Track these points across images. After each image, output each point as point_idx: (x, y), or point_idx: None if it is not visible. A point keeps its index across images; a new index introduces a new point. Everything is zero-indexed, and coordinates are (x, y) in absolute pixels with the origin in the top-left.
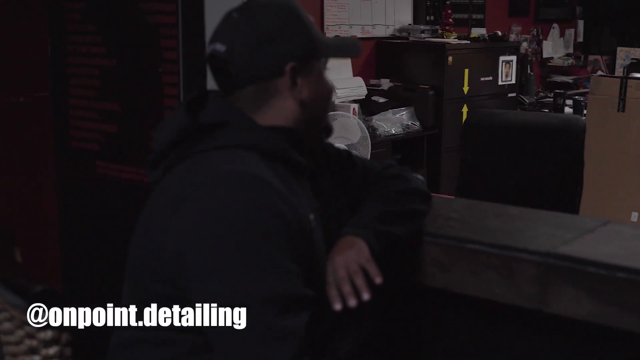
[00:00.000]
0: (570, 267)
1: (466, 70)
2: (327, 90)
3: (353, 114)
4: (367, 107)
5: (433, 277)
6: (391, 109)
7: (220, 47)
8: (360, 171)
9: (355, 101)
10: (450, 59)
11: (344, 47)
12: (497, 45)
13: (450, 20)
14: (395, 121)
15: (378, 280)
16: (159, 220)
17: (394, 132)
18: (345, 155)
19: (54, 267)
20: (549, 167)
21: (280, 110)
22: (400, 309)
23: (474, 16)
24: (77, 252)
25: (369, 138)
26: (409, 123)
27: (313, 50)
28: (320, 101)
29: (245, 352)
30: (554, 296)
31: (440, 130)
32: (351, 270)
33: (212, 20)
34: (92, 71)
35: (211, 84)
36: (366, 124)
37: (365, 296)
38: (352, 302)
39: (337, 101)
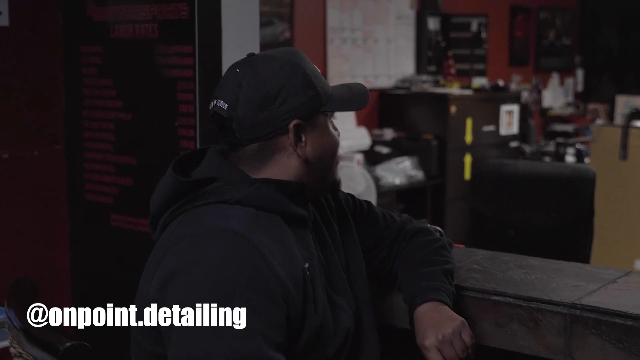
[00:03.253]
0: (596, 318)
1: (469, 120)
2: (333, 144)
3: (357, 164)
4: (371, 157)
5: None
6: (394, 158)
7: (222, 104)
8: (382, 223)
9: (359, 151)
10: (453, 109)
11: (350, 100)
12: (498, 95)
13: (452, 70)
14: (399, 171)
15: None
16: (148, 273)
17: (397, 182)
18: (366, 206)
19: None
20: (559, 217)
21: (284, 167)
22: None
23: (475, 66)
24: (90, 305)
25: (374, 188)
26: (413, 173)
27: (318, 105)
28: (325, 156)
29: None
30: (579, 347)
31: (443, 180)
32: (456, 348)
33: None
34: (108, 125)
35: None
36: (370, 174)
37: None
38: None
39: (341, 152)
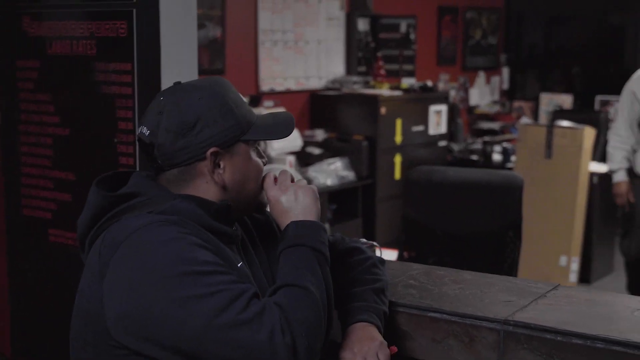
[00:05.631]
0: (528, 334)
1: (398, 121)
2: (254, 171)
3: (289, 166)
4: (303, 159)
5: (396, 345)
6: (326, 159)
7: (145, 130)
8: None
9: (291, 153)
10: (383, 109)
11: (273, 129)
12: (427, 96)
13: (382, 71)
14: (330, 172)
15: None
16: (90, 291)
17: (329, 183)
18: None
19: (3, 335)
20: (489, 223)
21: (204, 191)
22: None
23: (405, 67)
24: (27, 321)
25: None
26: (344, 174)
27: (237, 133)
28: (246, 183)
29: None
30: None
31: (374, 180)
32: None
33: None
34: (45, 140)
35: None
36: (302, 175)
37: None
38: None
39: (273, 153)
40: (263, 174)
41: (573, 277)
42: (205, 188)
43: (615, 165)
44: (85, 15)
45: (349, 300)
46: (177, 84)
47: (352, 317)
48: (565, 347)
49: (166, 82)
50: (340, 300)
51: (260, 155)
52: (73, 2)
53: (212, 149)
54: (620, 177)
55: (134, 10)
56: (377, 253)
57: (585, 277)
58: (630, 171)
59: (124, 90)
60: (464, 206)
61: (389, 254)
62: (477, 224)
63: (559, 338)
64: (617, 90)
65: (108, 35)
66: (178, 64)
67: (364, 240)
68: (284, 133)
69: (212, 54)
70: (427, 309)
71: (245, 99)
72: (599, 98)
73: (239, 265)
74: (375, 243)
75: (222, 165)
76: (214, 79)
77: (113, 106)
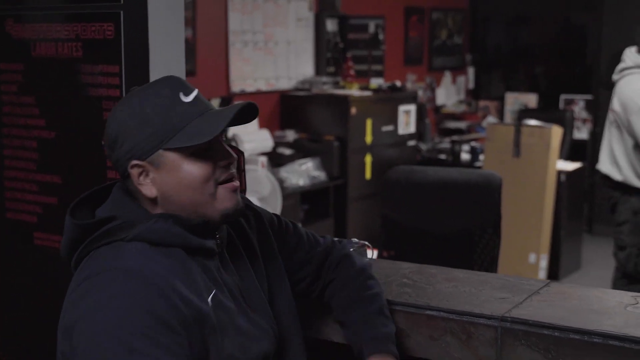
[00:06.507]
0: (526, 330)
1: (368, 121)
2: (189, 178)
3: (262, 166)
4: (274, 159)
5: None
6: (297, 160)
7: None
8: (307, 244)
9: (262, 154)
10: (353, 109)
11: (204, 130)
12: (396, 96)
13: (351, 72)
14: (302, 172)
15: None
16: (62, 316)
17: (301, 183)
18: (292, 227)
19: None
20: (469, 222)
21: (148, 203)
22: None
23: (373, 67)
24: (14, 324)
25: (279, 190)
26: (315, 174)
27: (156, 143)
28: (181, 193)
29: None
30: (510, 358)
31: (345, 180)
32: None
33: None
34: (30, 143)
35: None
36: (274, 176)
37: None
38: None
39: (245, 154)
40: (221, 176)
41: (542, 274)
42: (145, 201)
43: None
44: (71, 17)
45: (359, 330)
46: (130, 91)
47: (368, 349)
48: (563, 342)
49: None
50: (349, 329)
51: (211, 157)
52: (58, 4)
53: (132, 162)
54: None
55: (121, 12)
56: (369, 254)
57: (553, 274)
58: None
59: (112, 93)
60: (443, 205)
61: (369, 255)
62: (456, 222)
63: (556, 334)
64: (580, 89)
65: (95, 37)
66: (166, 65)
67: (356, 240)
68: (208, 135)
69: None
70: (423, 307)
71: (216, 100)
72: (563, 97)
73: (211, 294)
74: (367, 243)
75: (150, 177)
76: (158, 83)
77: (100, 108)
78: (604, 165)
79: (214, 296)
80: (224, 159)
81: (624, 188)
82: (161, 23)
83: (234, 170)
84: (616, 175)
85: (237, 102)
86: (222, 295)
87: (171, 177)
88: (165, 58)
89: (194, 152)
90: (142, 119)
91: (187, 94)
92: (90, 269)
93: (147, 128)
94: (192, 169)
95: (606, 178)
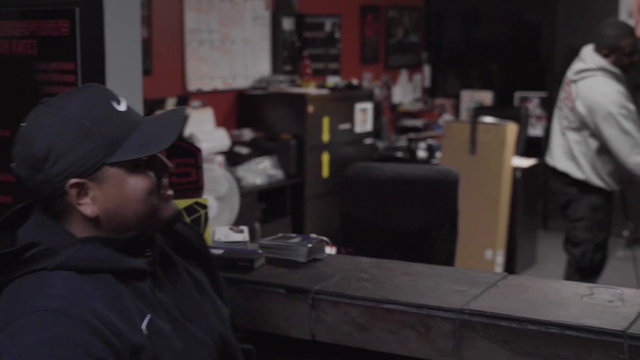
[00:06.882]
0: (484, 322)
1: (325, 119)
2: (135, 191)
3: (219, 166)
4: (231, 158)
5: (351, 337)
6: (254, 159)
7: (12, 164)
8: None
9: (219, 153)
10: (310, 108)
11: (150, 142)
12: (353, 94)
13: (308, 70)
14: (259, 171)
15: None
16: None
17: (258, 182)
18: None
19: None
20: (426, 217)
21: (77, 226)
22: None
23: (330, 65)
24: None
25: (236, 189)
26: (272, 173)
27: (100, 158)
28: (125, 207)
29: None
30: (469, 350)
31: (302, 179)
32: None
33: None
34: None
35: None
36: (231, 175)
37: None
38: None
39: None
40: (162, 186)
41: (499, 269)
42: (79, 222)
43: None
44: (26, 14)
45: None
46: (42, 103)
47: None
48: (521, 333)
49: (110, 82)
50: None
51: (150, 166)
52: (12, 1)
53: (71, 181)
54: None
55: (77, 9)
56: (327, 250)
57: (510, 269)
58: None
59: (68, 90)
60: (401, 201)
61: (328, 251)
62: (414, 218)
63: (514, 325)
64: (534, 86)
65: (50, 34)
66: (122, 63)
67: (314, 236)
68: (163, 144)
69: None
70: (382, 300)
71: (172, 100)
72: (518, 94)
73: (145, 321)
74: (325, 239)
75: (90, 195)
76: (82, 92)
77: None
78: (560, 161)
79: (149, 322)
80: (164, 168)
81: (582, 186)
82: (117, 20)
83: (167, 179)
84: (576, 173)
85: (171, 108)
86: (157, 318)
87: (116, 193)
88: (122, 56)
89: (137, 164)
90: (81, 133)
91: (119, 103)
92: (13, 309)
93: (89, 143)
94: (138, 182)
95: (563, 175)
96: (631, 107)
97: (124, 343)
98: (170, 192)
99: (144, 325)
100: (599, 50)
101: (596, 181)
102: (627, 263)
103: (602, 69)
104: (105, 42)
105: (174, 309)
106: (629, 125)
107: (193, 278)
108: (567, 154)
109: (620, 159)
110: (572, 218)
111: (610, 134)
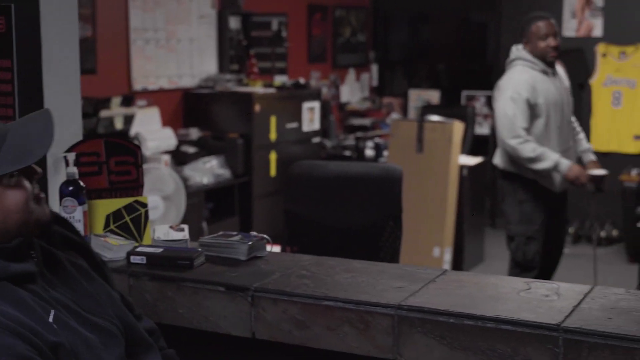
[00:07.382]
0: (422, 318)
1: (273, 118)
2: (12, 204)
3: (165, 165)
4: (177, 158)
5: (291, 335)
6: (201, 158)
7: None
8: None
9: (165, 152)
10: (257, 107)
11: (19, 156)
12: (300, 93)
13: (255, 69)
14: (206, 171)
15: None
16: None
17: (205, 181)
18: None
19: None
20: (370, 214)
21: None
22: None
23: (277, 64)
24: None
25: (183, 189)
26: (220, 172)
27: None
28: (6, 220)
29: None
30: (407, 345)
31: (250, 178)
32: None
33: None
34: None
35: None
36: (178, 174)
37: None
38: None
39: (148, 153)
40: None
41: (446, 267)
42: None
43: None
44: None
45: None
46: None
47: None
48: (457, 328)
49: (47, 79)
50: None
51: (26, 175)
52: None
53: None
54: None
55: (12, 6)
56: (268, 247)
57: (457, 267)
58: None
59: (4, 88)
60: (345, 199)
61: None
62: (358, 215)
63: (451, 320)
64: (481, 85)
65: None
66: (60, 60)
67: (255, 233)
68: (36, 155)
69: (82, 54)
70: (321, 297)
71: (118, 99)
72: (464, 93)
73: (51, 316)
74: (266, 237)
75: None
76: None
77: None
78: (495, 156)
79: (55, 317)
80: (36, 174)
81: (507, 177)
82: (54, 17)
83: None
84: (499, 164)
85: (40, 110)
86: (60, 314)
87: None
88: (59, 53)
89: (12, 176)
90: None
91: None
92: None
93: None
94: (16, 195)
95: (495, 169)
96: (529, 95)
97: (43, 340)
98: (42, 194)
99: (51, 319)
100: (521, 41)
101: (510, 168)
102: (574, 260)
103: (519, 59)
104: (42, 39)
105: (71, 304)
106: (515, 110)
107: (77, 268)
108: (499, 148)
109: (501, 139)
110: (505, 212)
111: (497, 114)
